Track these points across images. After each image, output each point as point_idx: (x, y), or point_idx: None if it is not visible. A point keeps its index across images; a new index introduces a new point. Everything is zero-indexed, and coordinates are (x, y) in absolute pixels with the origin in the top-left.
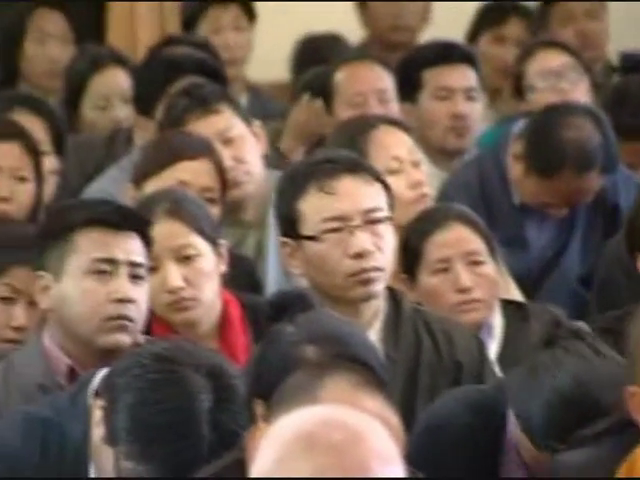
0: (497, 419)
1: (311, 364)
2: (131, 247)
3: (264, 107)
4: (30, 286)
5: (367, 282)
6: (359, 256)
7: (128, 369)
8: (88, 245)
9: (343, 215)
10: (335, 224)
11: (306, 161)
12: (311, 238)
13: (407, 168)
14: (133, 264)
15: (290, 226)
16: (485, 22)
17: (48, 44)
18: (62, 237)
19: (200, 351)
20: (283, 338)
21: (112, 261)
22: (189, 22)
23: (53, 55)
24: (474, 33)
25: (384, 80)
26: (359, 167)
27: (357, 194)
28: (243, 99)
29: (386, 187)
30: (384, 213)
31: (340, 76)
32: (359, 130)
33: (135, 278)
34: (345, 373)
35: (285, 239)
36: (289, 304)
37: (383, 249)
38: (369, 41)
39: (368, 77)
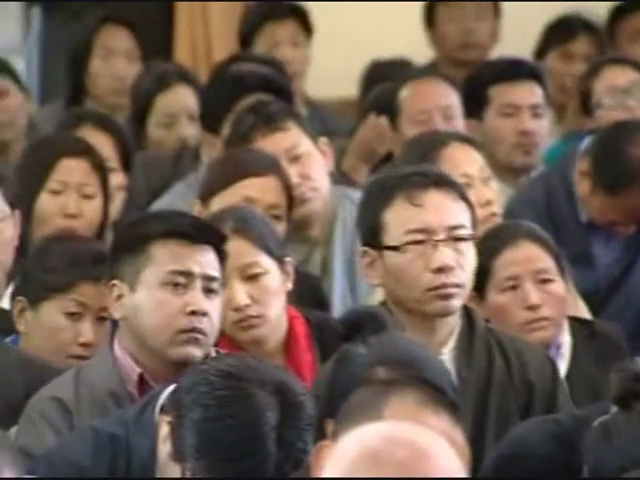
0: (575, 454)
1: (377, 382)
2: (206, 260)
3: (324, 123)
4: (97, 302)
5: (446, 297)
6: (440, 271)
7: (195, 386)
8: (164, 257)
9: (428, 228)
10: (419, 236)
11: (394, 172)
12: (393, 248)
13: (477, 185)
14: (207, 277)
15: (373, 235)
16: (553, 39)
17: (114, 61)
18: (138, 248)
19: (266, 368)
20: (355, 359)
21: (187, 274)
22: (246, 38)
23: (119, 72)
24: (542, 49)
25: (449, 97)
26: (447, 183)
27: (444, 209)
28: (302, 114)
29: (470, 206)
30: (468, 231)
31: (405, 93)
32: (430, 147)
33: (209, 292)
34: (410, 391)
35: (366, 248)
36: (362, 323)
37: (464, 266)
38: (438, 60)
39: (433, 94)
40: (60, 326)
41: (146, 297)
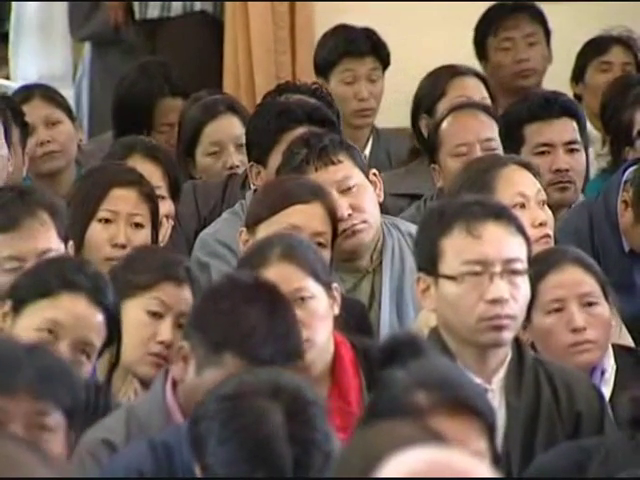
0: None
1: (420, 408)
2: None
3: (387, 147)
4: (178, 304)
5: (499, 328)
6: (495, 302)
7: (202, 418)
8: (233, 371)
9: (485, 260)
10: (476, 267)
11: (455, 201)
12: (449, 277)
13: (532, 206)
14: None
15: (429, 262)
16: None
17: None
18: (213, 348)
19: (257, 376)
20: (394, 383)
21: None
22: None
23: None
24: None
25: (489, 129)
26: (507, 216)
27: (501, 242)
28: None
29: (527, 240)
30: (523, 265)
31: (445, 126)
32: (488, 166)
33: None
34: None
35: (421, 274)
36: (400, 348)
37: (518, 299)
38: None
39: (473, 126)
40: (142, 322)
41: (205, 385)
